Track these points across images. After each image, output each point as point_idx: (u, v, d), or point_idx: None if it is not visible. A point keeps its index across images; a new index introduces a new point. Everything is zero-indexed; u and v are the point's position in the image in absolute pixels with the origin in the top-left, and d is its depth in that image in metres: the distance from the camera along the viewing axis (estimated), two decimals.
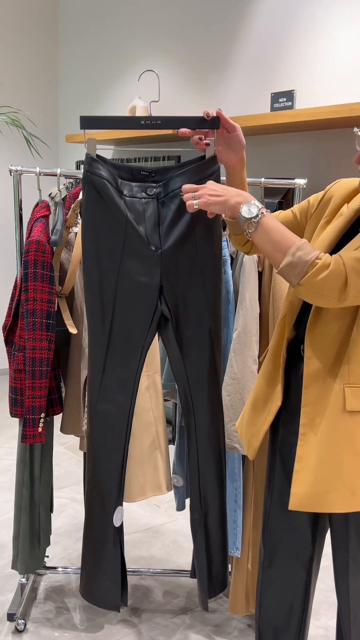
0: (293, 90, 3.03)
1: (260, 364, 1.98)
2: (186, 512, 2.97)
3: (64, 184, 2.28)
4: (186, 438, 1.89)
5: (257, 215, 1.43)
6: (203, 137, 1.66)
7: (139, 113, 3.76)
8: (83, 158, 1.69)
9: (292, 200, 2.27)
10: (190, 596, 2.44)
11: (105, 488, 1.84)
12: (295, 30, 3.08)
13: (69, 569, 2.55)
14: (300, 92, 3.06)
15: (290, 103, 3.02)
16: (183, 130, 1.64)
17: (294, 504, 1.48)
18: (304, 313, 1.56)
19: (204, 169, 1.68)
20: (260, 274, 2.07)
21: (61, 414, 2.17)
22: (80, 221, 2.10)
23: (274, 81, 3.23)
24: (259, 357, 2.00)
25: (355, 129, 1.45)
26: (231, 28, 3.45)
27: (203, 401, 1.81)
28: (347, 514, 1.53)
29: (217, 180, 1.69)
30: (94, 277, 1.72)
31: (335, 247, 1.51)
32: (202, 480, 1.87)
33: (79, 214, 2.11)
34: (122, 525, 1.93)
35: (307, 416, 1.49)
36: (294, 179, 2.09)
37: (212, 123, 1.63)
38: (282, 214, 1.72)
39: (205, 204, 1.47)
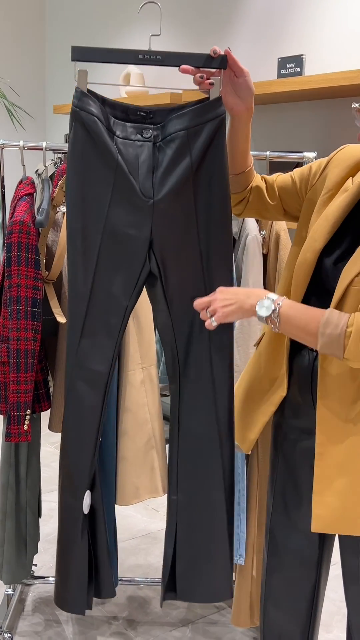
0: (302, 54, 3.04)
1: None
2: None
3: (52, 160, 2.29)
4: (170, 411, 1.84)
5: (274, 309, 1.46)
6: (205, 75, 1.61)
7: (134, 80, 3.75)
8: None
9: None
10: (191, 607, 2.48)
11: (74, 472, 1.83)
12: None
13: None
14: (309, 56, 3.07)
15: (299, 69, 3.03)
16: (185, 67, 1.60)
17: (317, 526, 1.52)
18: (310, 294, 1.54)
19: (208, 111, 1.63)
20: (265, 257, 2.09)
21: (49, 411, 2.20)
22: None
23: (281, 45, 3.23)
24: None
25: (354, 105, 1.46)
26: None
27: (192, 371, 1.78)
28: None
29: (223, 126, 1.64)
30: (76, 227, 1.69)
31: (340, 228, 1.51)
32: (182, 455, 1.81)
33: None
34: (93, 513, 1.89)
35: (323, 434, 1.50)
36: (302, 152, 2.10)
37: (220, 62, 1.59)
38: (280, 177, 1.71)
39: (221, 318, 1.51)
